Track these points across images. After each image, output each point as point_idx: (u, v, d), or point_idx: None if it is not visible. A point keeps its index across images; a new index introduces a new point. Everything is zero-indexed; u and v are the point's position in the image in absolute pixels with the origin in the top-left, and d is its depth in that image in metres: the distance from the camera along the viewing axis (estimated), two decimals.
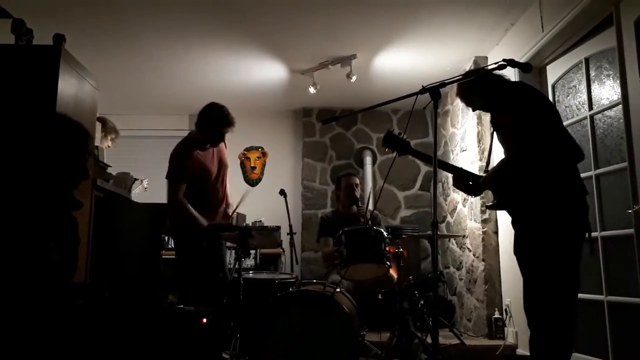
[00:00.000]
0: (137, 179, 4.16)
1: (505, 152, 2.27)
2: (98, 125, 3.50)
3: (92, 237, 2.60)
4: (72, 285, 1.78)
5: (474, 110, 2.57)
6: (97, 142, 3.63)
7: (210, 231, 3.15)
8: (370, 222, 3.45)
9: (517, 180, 2.16)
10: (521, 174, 2.13)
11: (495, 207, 2.41)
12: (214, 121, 3.19)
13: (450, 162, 3.09)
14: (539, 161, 2.07)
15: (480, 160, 4.05)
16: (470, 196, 3.50)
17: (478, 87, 2.33)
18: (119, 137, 3.93)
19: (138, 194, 4.48)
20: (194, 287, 3.19)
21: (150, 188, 4.75)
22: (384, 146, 2.44)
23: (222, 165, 3.40)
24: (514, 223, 2.26)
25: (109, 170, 3.43)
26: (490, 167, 2.43)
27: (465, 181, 2.39)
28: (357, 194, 4.03)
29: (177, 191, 3.10)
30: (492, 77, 2.28)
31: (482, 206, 4.01)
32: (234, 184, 3.65)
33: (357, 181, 4.06)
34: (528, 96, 2.19)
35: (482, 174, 2.41)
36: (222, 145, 3.41)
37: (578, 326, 3.02)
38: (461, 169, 2.44)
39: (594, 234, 2.84)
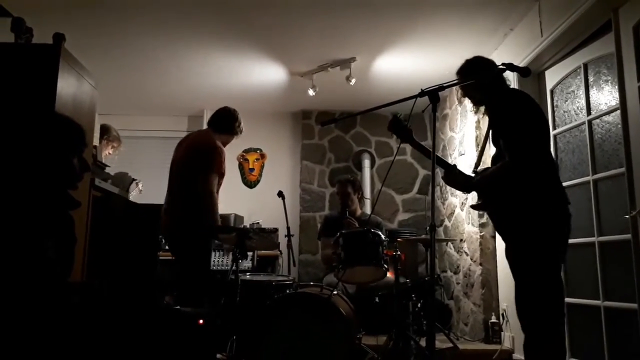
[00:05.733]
0: (135, 179, 4.16)
1: (497, 152, 2.28)
2: (98, 131, 3.51)
3: (90, 236, 2.60)
4: (68, 284, 1.77)
5: (463, 96, 2.55)
6: (96, 144, 3.63)
7: (214, 231, 3.17)
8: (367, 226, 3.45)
9: (504, 186, 2.18)
10: (508, 182, 2.15)
11: (479, 207, 2.44)
12: (233, 122, 3.37)
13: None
14: (530, 170, 2.09)
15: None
16: (462, 192, 3.50)
17: (482, 84, 2.33)
18: (120, 145, 3.95)
19: (134, 197, 4.47)
20: (199, 287, 3.19)
21: (148, 189, 4.73)
22: (389, 129, 2.41)
23: None
24: (497, 228, 2.30)
25: (107, 170, 3.43)
26: (480, 168, 2.45)
27: (456, 177, 2.39)
28: (352, 201, 4.05)
29: (215, 184, 3.12)
30: (496, 77, 2.28)
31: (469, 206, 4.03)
32: (233, 186, 3.65)
33: (348, 189, 4.07)
34: (526, 103, 2.21)
35: (471, 173, 2.43)
36: None
37: (574, 331, 3.02)
38: (455, 166, 2.42)
39: (591, 239, 2.85)
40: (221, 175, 3.26)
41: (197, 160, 3.17)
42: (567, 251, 2.14)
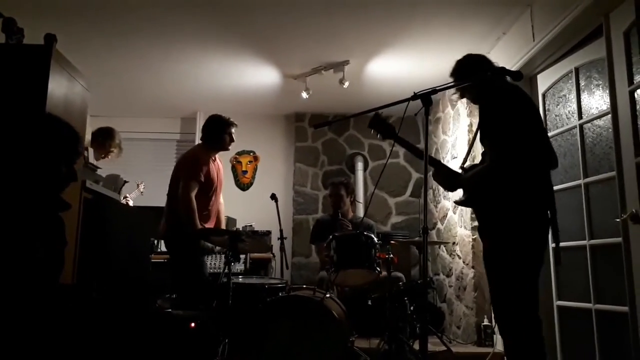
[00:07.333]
0: (127, 181, 4.14)
1: (485, 150, 2.29)
2: (89, 129, 3.49)
3: (81, 239, 2.57)
4: (58, 286, 1.75)
5: (460, 98, 2.57)
6: (89, 145, 3.61)
7: (201, 234, 3.18)
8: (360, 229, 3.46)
9: (490, 185, 2.18)
10: (495, 181, 2.16)
11: (462, 203, 2.46)
12: (220, 128, 3.44)
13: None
14: (514, 169, 2.10)
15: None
16: (446, 191, 3.52)
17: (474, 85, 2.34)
18: (121, 153, 3.92)
19: (135, 198, 4.48)
20: (192, 291, 3.21)
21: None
22: (370, 127, 2.44)
23: (220, 180, 3.56)
24: (480, 228, 2.30)
25: (99, 172, 3.41)
26: (467, 164, 2.46)
27: (444, 175, 2.42)
28: (344, 204, 4.06)
29: (193, 189, 3.24)
30: (491, 73, 2.29)
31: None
32: (225, 188, 3.65)
33: (341, 191, 4.08)
34: (517, 99, 2.21)
35: (458, 169, 2.44)
36: (218, 161, 3.58)
37: (566, 334, 3.03)
38: (441, 163, 2.47)
39: (582, 242, 2.87)
40: (207, 184, 3.35)
41: (177, 169, 3.39)
42: (543, 256, 2.13)
